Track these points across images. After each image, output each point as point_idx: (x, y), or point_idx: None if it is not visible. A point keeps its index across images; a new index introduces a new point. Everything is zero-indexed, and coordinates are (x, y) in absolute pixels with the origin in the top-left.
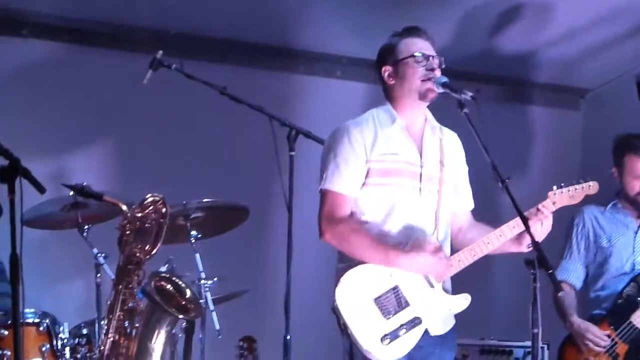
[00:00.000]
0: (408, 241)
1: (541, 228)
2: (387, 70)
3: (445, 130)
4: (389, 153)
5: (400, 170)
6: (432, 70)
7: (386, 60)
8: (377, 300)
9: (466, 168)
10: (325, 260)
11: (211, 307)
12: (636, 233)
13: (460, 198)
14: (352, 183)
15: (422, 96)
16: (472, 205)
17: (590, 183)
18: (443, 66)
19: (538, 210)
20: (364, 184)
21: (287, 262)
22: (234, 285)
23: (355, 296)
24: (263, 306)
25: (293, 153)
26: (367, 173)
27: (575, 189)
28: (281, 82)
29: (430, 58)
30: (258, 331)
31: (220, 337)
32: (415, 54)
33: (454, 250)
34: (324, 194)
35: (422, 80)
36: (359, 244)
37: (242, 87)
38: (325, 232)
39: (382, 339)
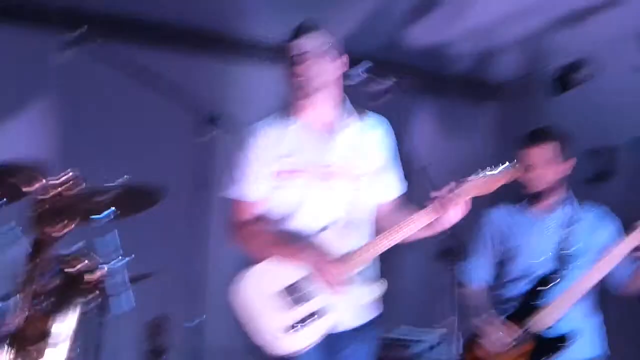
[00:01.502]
0: (312, 239)
1: (456, 214)
2: (286, 70)
3: (370, 118)
4: (291, 153)
5: (304, 170)
6: (308, 65)
7: (285, 59)
8: (281, 292)
9: (390, 155)
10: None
11: (128, 285)
12: (543, 233)
13: (382, 188)
14: (254, 187)
15: (303, 90)
16: (395, 193)
17: (513, 169)
18: (338, 57)
19: (453, 194)
20: (270, 186)
21: (204, 243)
22: (150, 265)
23: (257, 290)
24: (179, 286)
25: (212, 135)
26: (272, 175)
27: (494, 173)
28: (203, 67)
29: (307, 54)
30: (173, 310)
31: (134, 315)
32: (293, 54)
33: None
34: (229, 200)
35: (299, 77)
36: (260, 245)
37: (161, 70)
38: (232, 237)
39: (286, 330)
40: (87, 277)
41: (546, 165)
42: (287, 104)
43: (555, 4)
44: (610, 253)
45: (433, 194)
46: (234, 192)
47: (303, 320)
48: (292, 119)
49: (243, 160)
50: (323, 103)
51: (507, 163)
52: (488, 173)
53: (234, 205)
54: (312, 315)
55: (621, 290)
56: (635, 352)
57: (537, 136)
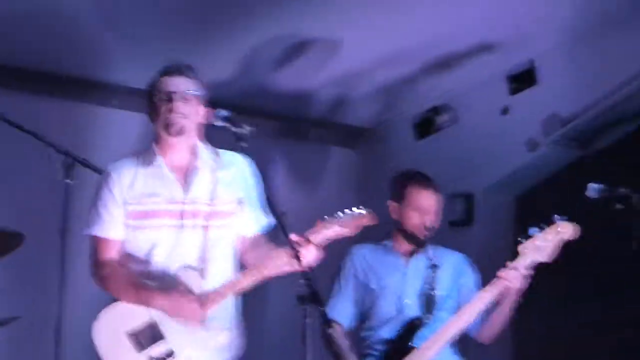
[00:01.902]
0: (166, 280)
1: (309, 258)
2: (147, 110)
3: (225, 155)
4: (147, 194)
5: (159, 211)
6: (176, 105)
7: (148, 100)
8: (131, 334)
9: (250, 193)
10: (99, 293)
11: None
12: (405, 275)
13: (243, 224)
14: (113, 227)
15: (167, 130)
16: (254, 230)
17: (365, 211)
18: (204, 100)
19: (306, 238)
20: (127, 227)
21: (59, 291)
22: (5, 312)
23: (110, 331)
24: (36, 335)
25: (69, 181)
26: (127, 216)
27: (347, 217)
28: (61, 110)
29: (176, 94)
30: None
31: None
32: (161, 92)
33: None
34: (89, 239)
35: (167, 116)
36: (116, 286)
37: (20, 113)
38: (93, 276)
39: None
40: None
41: (437, 211)
42: (148, 144)
43: (420, 49)
44: (475, 298)
45: (291, 236)
46: (94, 230)
47: None
48: (149, 160)
49: (102, 200)
50: (184, 144)
51: (358, 209)
52: (343, 216)
53: (95, 243)
54: (160, 358)
55: (475, 335)
56: None
57: (427, 179)
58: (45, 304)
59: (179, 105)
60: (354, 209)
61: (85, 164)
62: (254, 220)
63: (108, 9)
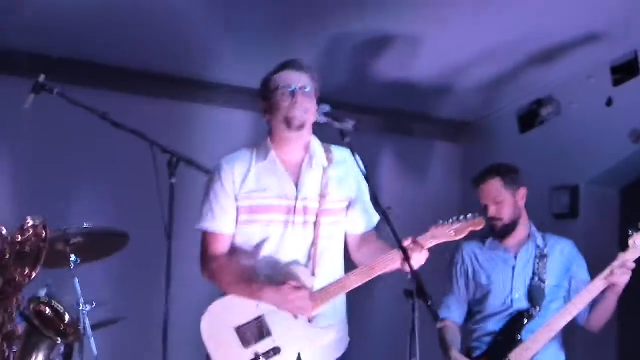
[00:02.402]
0: (276, 275)
1: (418, 261)
2: (262, 106)
3: (338, 152)
4: (259, 189)
5: (271, 206)
6: (297, 100)
7: (262, 95)
8: (239, 329)
9: (359, 190)
10: (204, 289)
11: (89, 332)
12: (514, 269)
13: (351, 221)
14: (225, 222)
15: (288, 124)
16: (365, 228)
17: (477, 219)
18: (318, 95)
19: (415, 242)
20: (237, 221)
21: (166, 291)
22: (112, 312)
23: (218, 326)
24: (142, 333)
25: (174, 180)
26: (238, 210)
27: (461, 223)
28: (166, 109)
29: (297, 89)
30: (136, 358)
31: None
32: (280, 87)
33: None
34: (201, 233)
35: (288, 110)
36: (227, 280)
37: (125, 113)
38: (202, 270)
39: None
40: (55, 323)
41: (498, 200)
42: (261, 139)
43: (523, 42)
44: (585, 290)
45: (404, 241)
46: (205, 225)
47: (256, 359)
48: (263, 154)
49: (214, 194)
50: (300, 140)
51: (470, 215)
52: (456, 222)
53: (206, 237)
54: (266, 354)
55: (583, 324)
56: None
57: (478, 177)
58: (152, 302)
59: (302, 100)
60: (469, 215)
61: (191, 163)
62: (364, 218)
63: (213, 9)
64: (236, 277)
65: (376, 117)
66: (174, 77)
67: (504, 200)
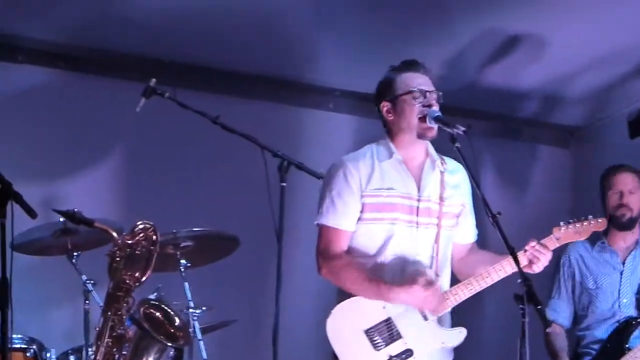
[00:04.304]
0: (403, 275)
1: (540, 263)
2: (385, 105)
3: (450, 162)
4: (384, 188)
5: (396, 204)
6: (430, 106)
7: (384, 95)
8: (368, 331)
9: (469, 200)
10: (314, 292)
11: (199, 336)
12: (622, 274)
13: (461, 230)
14: (347, 218)
15: (420, 135)
16: (473, 238)
17: (600, 219)
18: (441, 101)
19: (541, 244)
20: (359, 219)
21: (276, 294)
22: (222, 315)
23: (346, 327)
24: (251, 337)
25: (284, 184)
26: (363, 208)
27: (583, 224)
28: (275, 113)
29: (428, 94)
30: None
31: None
32: (412, 90)
33: (456, 280)
34: (320, 229)
35: (420, 118)
36: (351, 278)
37: (235, 117)
38: (321, 268)
39: None
40: (165, 327)
41: (632, 190)
42: (384, 139)
43: (633, 50)
44: None
45: (529, 245)
46: (327, 220)
47: None
48: (387, 154)
49: (337, 190)
50: (421, 143)
51: (592, 217)
52: (578, 223)
53: (326, 234)
54: (399, 356)
55: None
56: None
57: (619, 165)
58: (262, 305)
59: (432, 106)
60: (590, 217)
61: (301, 167)
62: (472, 228)
63: (325, 13)
64: (363, 277)
65: (485, 121)
66: (284, 81)
67: (637, 193)
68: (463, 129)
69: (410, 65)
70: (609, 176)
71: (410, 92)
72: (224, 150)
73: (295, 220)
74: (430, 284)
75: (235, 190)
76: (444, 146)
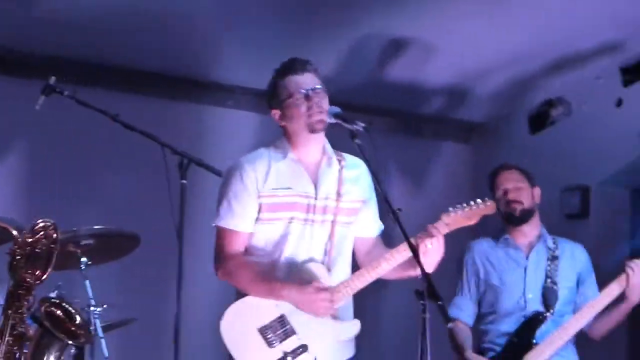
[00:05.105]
0: (296, 272)
1: (432, 251)
2: (275, 113)
3: (349, 158)
4: (281, 187)
5: (292, 203)
6: (315, 103)
7: (272, 103)
8: (262, 329)
9: (370, 195)
10: (216, 291)
11: (100, 334)
12: (526, 270)
13: (362, 224)
14: (244, 219)
15: (312, 129)
16: (376, 231)
17: (488, 202)
18: (326, 92)
19: (428, 231)
20: (257, 219)
21: (177, 292)
22: (124, 313)
23: (239, 327)
24: (153, 335)
25: (185, 181)
26: (260, 208)
27: (472, 208)
28: (175, 110)
29: (311, 91)
30: (148, 359)
31: None
32: (293, 94)
33: None
34: (217, 231)
35: (309, 115)
36: (245, 278)
37: (135, 115)
38: (217, 269)
39: None
40: (66, 325)
41: (518, 186)
42: (280, 139)
43: (536, 49)
44: (601, 294)
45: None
46: (224, 222)
47: (285, 357)
48: (282, 154)
49: (233, 192)
50: (317, 141)
51: (480, 200)
52: (467, 207)
53: (223, 235)
54: (294, 352)
55: (587, 332)
56: None
57: (501, 165)
58: (164, 303)
59: (318, 101)
60: (477, 200)
61: (201, 164)
62: (374, 222)
63: (223, 11)
64: (256, 276)
65: (387, 118)
66: (184, 79)
67: (524, 187)
68: (363, 125)
69: (289, 67)
70: (493, 177)
71: (291, 96)
72: (124, 148)
73: (197, 218)
74: (323, 287)
75: (136, 188)
76: (344, 143)
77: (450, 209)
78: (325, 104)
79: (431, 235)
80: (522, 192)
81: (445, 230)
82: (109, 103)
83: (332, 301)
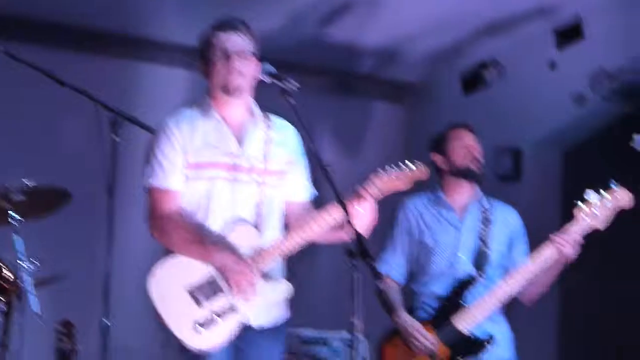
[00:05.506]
0: (227, 234)
1: (364, 213)
2: (200, 66)
3: (277, 119)
4: (204, 146)
5: (217, 163)
6: (236, 64)
7: (201, 56)
8: (191, 288)
9: (299, 157)
10: (148, 249)
11: (30, 289)
12: (460, 231)
13: (291, 187)
14: (175, 177)
15: (226, 90)
16: (305, 196)
17: (421, 166)
18: (257, 58)
19: (359, 193)
20: (185, 177)
21: (107, 248)
22: (54, 269)
23: (168, 285)
24: (83, 292)
25: (117, 139)
26: (185, 167)
27: (403, 172)
28: (109, 67)
29: (235, 53)
30: (78, 315)
31: (39, 320)
32: (218, 50)
33: None
34: (149, 191)
35: (226, 76)
36: (178, 240)
37: (68, 71)
38: (152, 229)
39: (196, 327)
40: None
41: (477, 146)
42: (204, 98)
43: (474, 13)
44: (532, 258)
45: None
46: (155, 181)
47: (213, 319)
48: (206, 112)
49: (161, 150)
50: (240, 102)
51: (411, 164)
52: (397, 170)
53: (154, 195)
54: (223, 312)
55: (518, 296)
56: (539, 357)
57: (459, 123)
58: (94, 260)
59: (238, 65)
60: (407, 162)
61: (133, 121)
62: (304, 187)
63: None
64: (189, 237)
65: (322, 77)
66: (117, 35)
67: (475, 145)
68: (296, 84)
69: (224, 25)
70: (454, 131)
71: (217, 51)
72: (58, 104)
73: (129, 175)
74: (255, 271)
75: (68, 145)
76: (276, 102)
77: (381, 171)
78: (248, 69)
79: (361, 197)
80: (472, 149)
81: (376, 193)
82: (39, 59)
83: (259, 261)
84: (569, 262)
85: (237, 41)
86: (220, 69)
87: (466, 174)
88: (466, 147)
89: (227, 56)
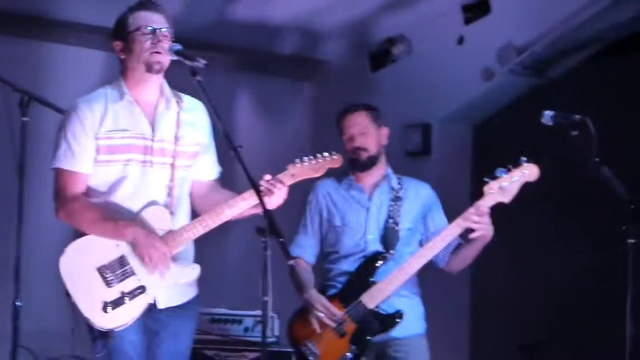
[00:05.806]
0: (139, 216)
1: (274, 198)
2: (117, 45)
3: (188, 100)
4: (117, 129)
5: (129, 145)
6: (159, 42)
7: (117, 35)
8: (101, 269)
9: (208, 138)
10: (58, 229)
11: None
12: (368, 210)
13: (200, 167)
14: (83, 160)
15: (149, 68)
16: (213, 175)
17: (335, 156)
18: (172, 38)
19: (275, 179)
20: (94, 161)
21: (17, 229)
22: None
23: (79, 265)
24: None
25: (26, 119)
26: (97, 150)
27: (318, 161)
28: (18, 48)
29: (158, 30)
30: None
31: None
32: (141, 27)
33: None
34: (56, 172)
35: (150, 53)
36: (88, 219)
37: None
38: (58, 210)
39: (104, 307)
40: None
41: (364, 131)
42: (117, 79)
43: None
44: (440, 235)
45: (262, 181)
46: (63, 164)
47: (122, 297)
48: (119, 95)
49: (72, 133)
50: (155, 82)
51: (327, 153)
52: (314, 160)
53: (63, 177)
54: (131, 292)
55: (443, 267)
56: (451, 329)
57: (349, 107)
58: (4, 242)
59: (162, 44)
60: (324, 154)
61: (43, 102)
62: (212, 166)
63: None
64: (99, 216)
65: (231, 55)
66: (25, 16)
67: (370, 132)
68: (204, 62)
69: (142, 4)
70: (340, 120)
71: (139, 29)
72: None
73: (39, 156)
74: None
75: None
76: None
77: (297, 160)
78: (166, 46)
79: (275, 187)
80: (368, 137)
81: (291, 181)
82: None
83: (171, 243)
84: (489, 238)
85: (159, 20)
86: (145, 44)
87: (353, 166)
88: (348, 138)
89: (151, 34)
